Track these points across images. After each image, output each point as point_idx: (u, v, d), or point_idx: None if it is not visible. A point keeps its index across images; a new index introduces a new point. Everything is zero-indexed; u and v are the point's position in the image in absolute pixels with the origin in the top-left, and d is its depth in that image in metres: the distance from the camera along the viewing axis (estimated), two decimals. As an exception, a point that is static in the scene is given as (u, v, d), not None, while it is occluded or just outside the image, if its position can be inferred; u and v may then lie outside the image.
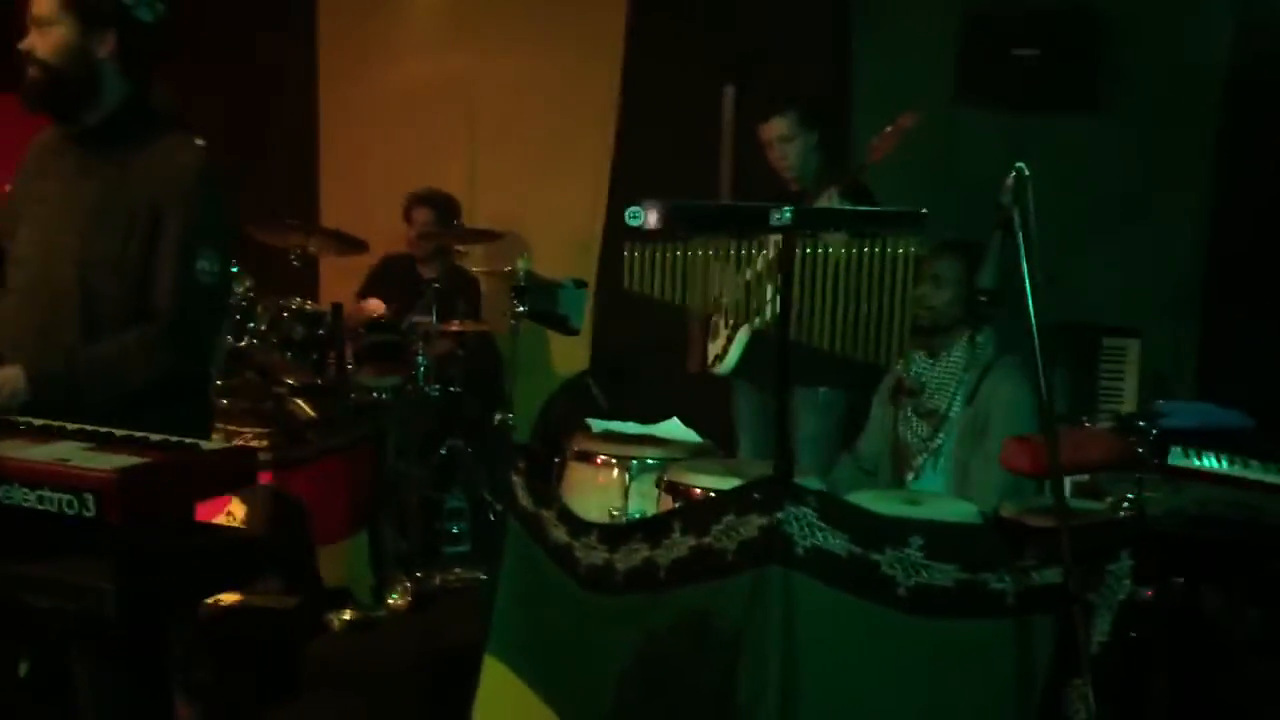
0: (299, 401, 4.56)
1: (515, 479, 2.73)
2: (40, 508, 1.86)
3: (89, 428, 2.13)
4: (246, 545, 2.14)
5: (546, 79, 5.85)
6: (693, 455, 3.14)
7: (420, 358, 4.59)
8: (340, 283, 5.69)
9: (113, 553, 1.87)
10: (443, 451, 4.83)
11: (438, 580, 4.33)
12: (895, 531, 2.06)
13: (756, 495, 2.08)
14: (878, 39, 5.13)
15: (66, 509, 1.85)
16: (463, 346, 4.96)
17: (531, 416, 5.83)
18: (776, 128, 4.00)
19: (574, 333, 5.09)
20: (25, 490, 1.87)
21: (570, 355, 6.01)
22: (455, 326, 4.79)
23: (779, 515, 2.04)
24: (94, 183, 2.47)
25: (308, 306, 4.51)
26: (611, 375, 5.78)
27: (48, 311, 2.45)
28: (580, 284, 4.76)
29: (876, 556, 2.04)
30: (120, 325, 2.43)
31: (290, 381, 4.57)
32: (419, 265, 5.44)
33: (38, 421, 2.18)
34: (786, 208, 2.08)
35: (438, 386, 4.64)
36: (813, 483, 2.63)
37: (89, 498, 1.83)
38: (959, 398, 3.32)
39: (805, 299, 2.22)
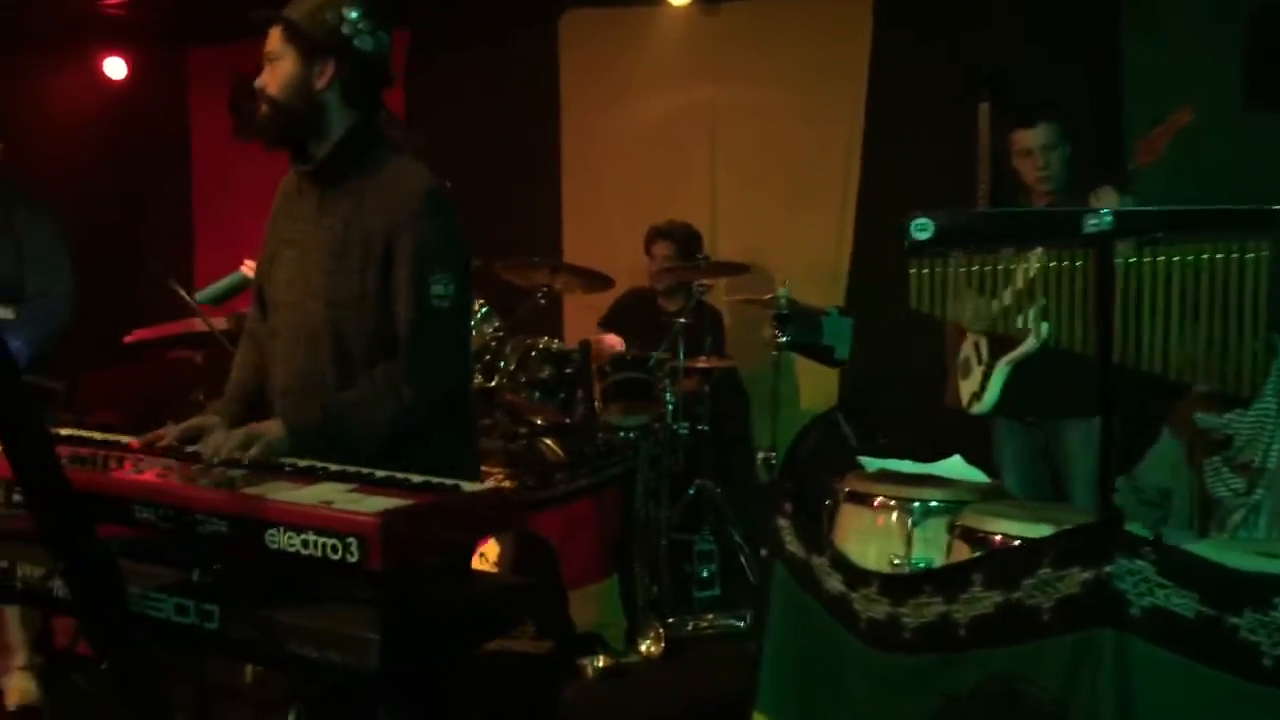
0: (547, 441, 4.51)
1: (782, 522, 2.52)
2: (304, 552, 1.78)
3: (350, 469, 2.06)
4: (513, 591, 2.01)
5: (788, 106, 5.70)
6: (983, 496, 2.83)
7: (668, 395, 4.45)
8: (583, 319, 5.65)
9: (377, 600, 1.77)
10: (690, 491, 4.68)
11: (691, 626, 4.16)
12: (1258, 590, 1.73)
13: (1079, 545, 1.80)
14: (1151, 41, 4.74)
15: (330, 554, 1.76)
16: (709, 383, 4.81)
17: (777, 454, 5.64)
18: (1039, 135, 3.76)
19: (839, 364, 4.82)
20: (290, 534, 1.79)
21: (815, 390, 5.78)
22: (702, 362, 4.64)
23: (1109, 569, 1.75)
24: (332, 219, 2.43)
25: (554, 345, 4.45)
26: (861, 411, 5.52)
27: (306, 354, 2.42)
28: (845, 312, 4.51)
29: (1234, 620, 1.71)
30: (370, 363, 2.38)
31: (538, 421, 4.52)
32: (660, 299, 5.34)
33: (301, 462, 2.13)
34: (1103, 210, 1.80)
35: (686, 424, 4.49)
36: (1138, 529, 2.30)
37: (352, 542, 1.74)
38: (1276, 446, 2.91)
39: (1134, 319, 1.92)
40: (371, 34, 2.41)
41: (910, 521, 2.72)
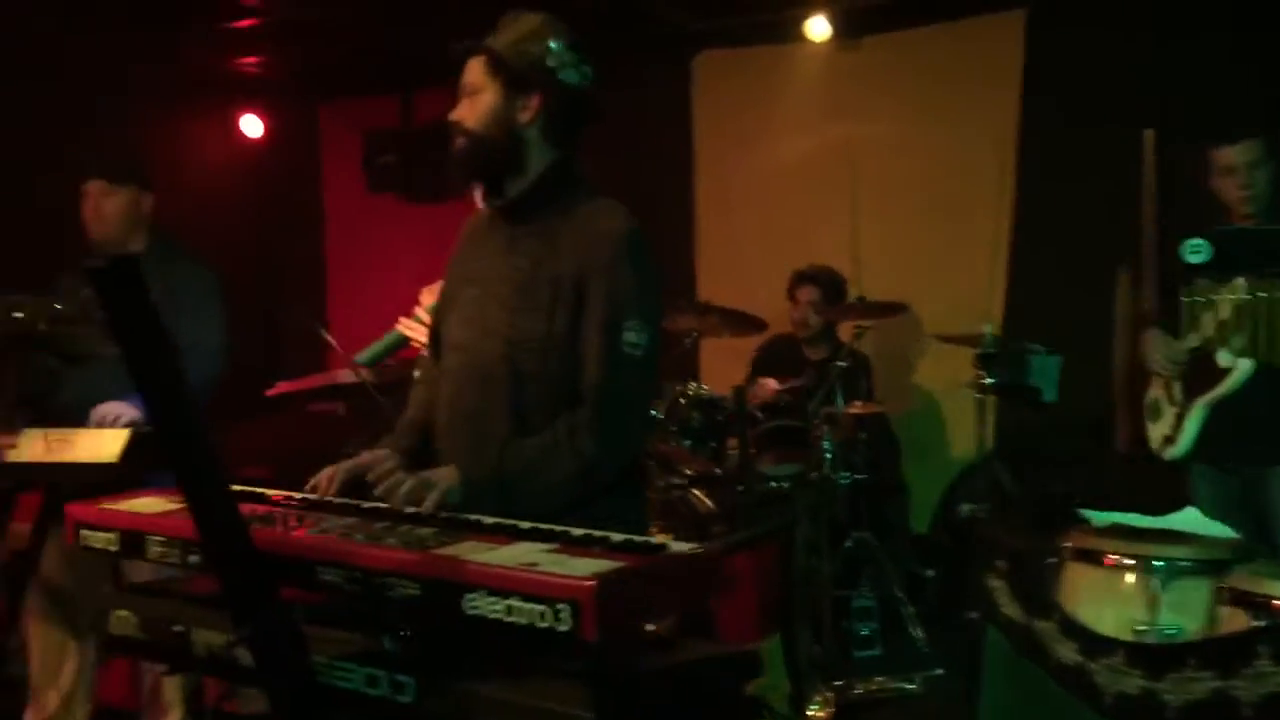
0: (697, 493, 4.33)
1: (995, 583, 2.29)
2: (508, 620, 1.62)
3: (543, 526, 1.90)
4: (728, 660, 1.82)
5: (934, 141, 5.51)
6: (1243, 554, 2.49)
7: (826, 443, 4.24)
8: (721, 365, 5.48)
9: (590, 674, 1.60)
10: (848, 544, 4.44)
11: (860, 690, 3.91)
12: None
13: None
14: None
15: (538, 621, 1.59)
16: (864, 430, 4.58)
17: (931, 505, 5.38)
18: (1242, 152, 3.50)
19: (1045, 407, 4.55)
20: (492, 599, 1.63)
21: (966, 436, 5.51)
22: (857, 408, 4.42)
23: None
24: (520, 258, 2.30)
25: (704, 391, 4.28)
26: (1020, 457, 5.24)
27: (479, 396, 2.28)
28: (1052, 351, 4.25)
29: None
30: (550, 410, 2.23)
31: (689, 471, 4.35)
32: (804, 347, 5.14)
33: (487, 520, 1.98)
34: None
35: (846, 473, 4.27)
36: None
37: (563, 609, 1.57)
38: None
39: None
40: (576, 67, 2.29)
41: (1155, 583, 2.41)
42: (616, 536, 1.82)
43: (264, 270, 6.61)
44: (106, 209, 3.67)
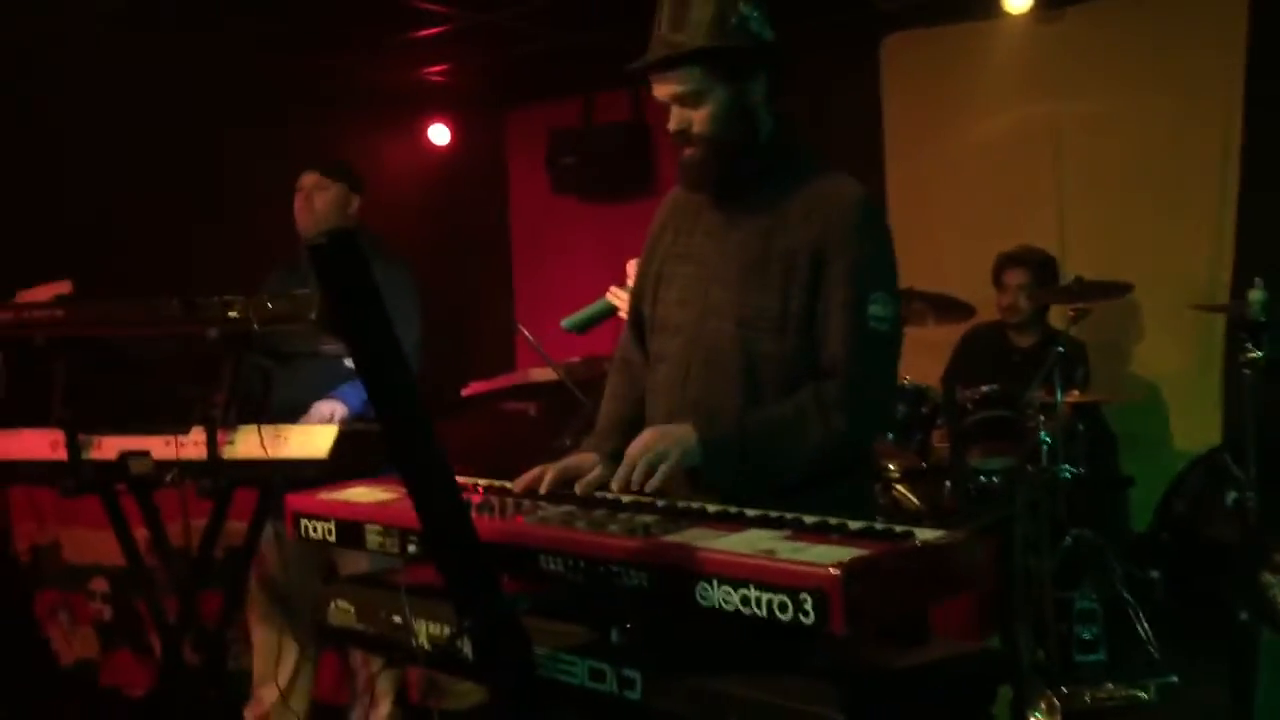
0: (902, 489, 4.14)
1: (1271, 578, 2.05)
2: (744, 611, 1.51)
3: (773, 513, 1.78)
4: (982, 659, 1.66)
5: (1147, 115, 5.15)
6: None
7: (1044, 434, 3.98)
8: (922, 357, 5.25)
9: (836, 670, 1.47)
10: (1067, 541, 4.16)
11: (1089, 697, 3.64)
12: None
13: None
14: None
15: (778, 613, 1.47)
16: (1081, 421, 4.30)
17: (1151, 502, 5.03)
18: None
19: None
20: (727, 589, 1.52)
21: (1194, 429, 5.15)
22: (1075, 397, 4.14)
23: None
24: (746, 234, 2.17)
25: (907, 382, 4.09)
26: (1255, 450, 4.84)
27: (704, 379, 2.17)
28: None
29: None
30: (785, 391, 2.10)
31: (893, 467, 4.16)
32: (1010, 333, 4.88)
33: (711, 506, 1.87)
34: None
35: (1066, 467, 4.00)
36: None
37: (806, 599, 1.45)
38: None
39: None
40: (766, 18, 2.13)
41: None
42: (854, 523, 1.69)
43: (453, 274, 6.70)
44: (319, 202, 3.78)
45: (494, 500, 1.92)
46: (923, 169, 5.74)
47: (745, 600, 1.51)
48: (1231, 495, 2.37)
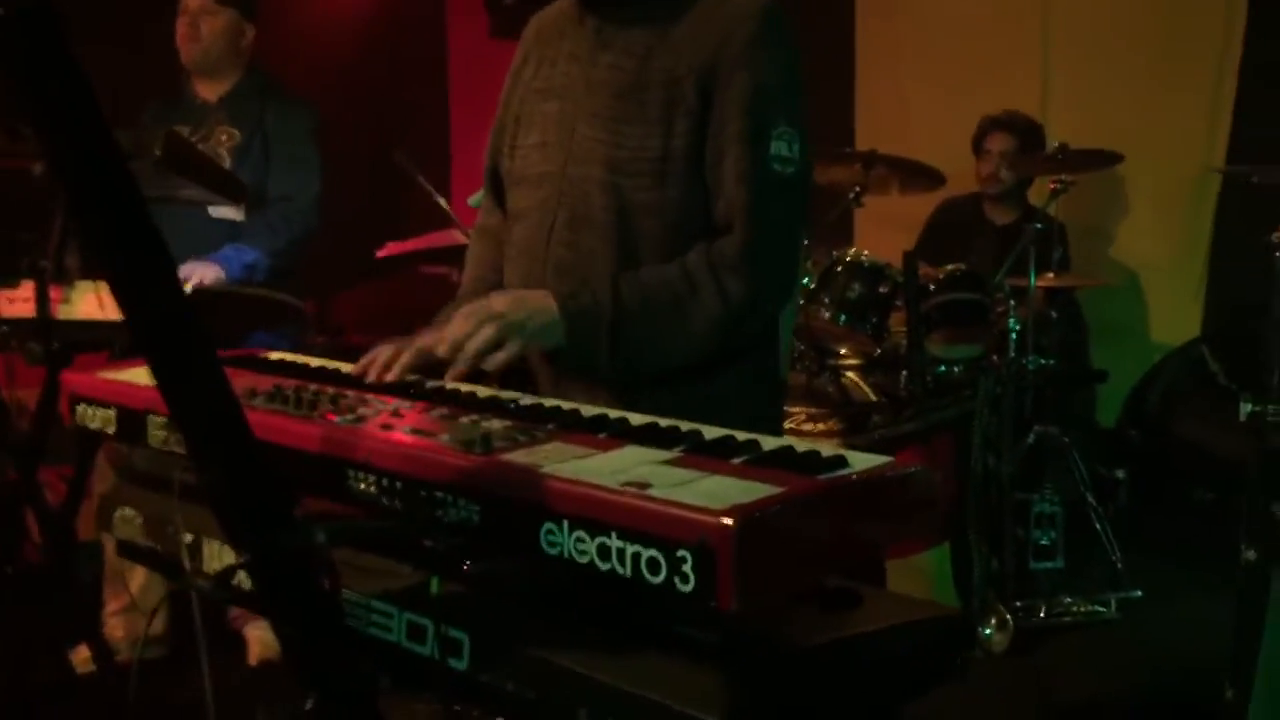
0: (853, 376, 3.73)
1: (1285, 512, 1.66)
2: (601, 567, 1.07)
3: (664, 422, 1.33)
4: (932, 629, 1.23)
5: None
6: None
7: (1012, 321, 3.57)
8: (877, 231, 4.82)
9: (722, 652, 1.05)
10: (1029, 440, 3.79)
11: (1043, 612, 3.30)
12: None
13: None
14: None
15: (646, 573, 1.04)
16: (1055, 307, 3.89)
17: (1121, 396, 4.69)
18: None
19: None
20: (581, 535, 1.08)
21: (1170, 316, 4.79)
22: (1050, 280, 3.72)
23: None
24: (618, 55, 1.73)
25: (864, 258, 3.64)
26: (1231, 344, 4.52)
27: (569, 239, 1.74)
28: None
29: None
30: (668, 253, 1.69)
31: (843, 352, 3.74)
32: (987, 207, 4.44)
33: (587, 410, 1.42)
34: None
35: (1034, 358, 3.60)
36: None
37: (685, 557, 1.01)
38: None
39: None
40: None
41: None
42: (769, 441, 1.25)
43: (383, 121, 6.13)
44: (205, 28, 3.32)
45: (293, 390, 1.45)
46: (895, 26, 5.23)
47: (604, 552, 1.07)
48: (1248, 408, 2.02)
